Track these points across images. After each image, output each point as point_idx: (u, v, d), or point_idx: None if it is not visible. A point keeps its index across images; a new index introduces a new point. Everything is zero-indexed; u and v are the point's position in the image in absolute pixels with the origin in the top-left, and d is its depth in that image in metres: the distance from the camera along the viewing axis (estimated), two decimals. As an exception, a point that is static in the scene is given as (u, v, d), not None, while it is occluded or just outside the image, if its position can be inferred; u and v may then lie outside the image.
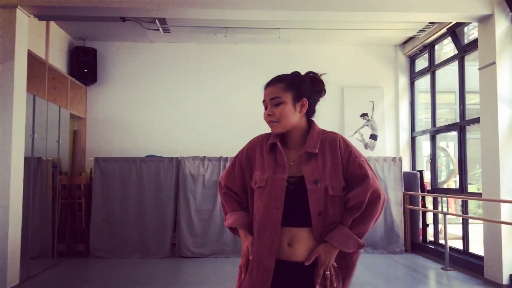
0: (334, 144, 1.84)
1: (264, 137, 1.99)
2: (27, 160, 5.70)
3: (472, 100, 7.10)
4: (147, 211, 7.44)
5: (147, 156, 7.74)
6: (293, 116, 1.86)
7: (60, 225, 7.09)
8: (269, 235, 1.75)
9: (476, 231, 6.81)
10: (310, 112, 1.93)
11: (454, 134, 7.25)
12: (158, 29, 7.38)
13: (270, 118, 1.88)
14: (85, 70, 7.96)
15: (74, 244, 7.41)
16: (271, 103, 1.88)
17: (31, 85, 6.11)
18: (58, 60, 7.49)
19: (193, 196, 7.50)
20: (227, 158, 7.61)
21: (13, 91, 5.33)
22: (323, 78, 1.93)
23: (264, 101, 1.93)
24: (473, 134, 7.18)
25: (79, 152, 7.99)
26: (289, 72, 1.97)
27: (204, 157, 7.62)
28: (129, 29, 7.56)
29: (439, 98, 8.08)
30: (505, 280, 5.38)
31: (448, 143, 9.92)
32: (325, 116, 10.13)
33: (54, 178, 6.68)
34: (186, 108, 8.38)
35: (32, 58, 6.08)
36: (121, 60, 8.40)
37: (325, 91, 1.94)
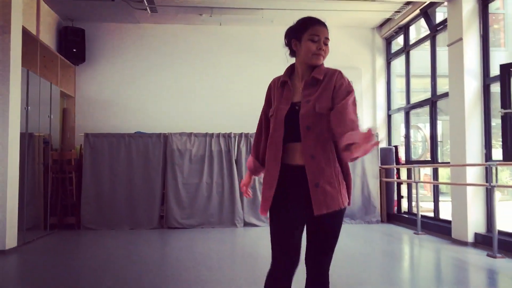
0: (332, 76, 2.21)
1: (277, 78, 2.37)
2: (21, 135, 5.95)
3: (443, 82, 7.56)
4: (136, 185, 7.76)
5: (135, 133, 8.04)
6: None
7: (51, 199, 7.36)
8: (274, 151, 2.22)
9: (447, 207, 7.31)
10: None
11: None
12: (145, 9, 7.66)
13: (321, 52, 2.22)
14: (74, 50, 8.20)
15: (65, 217, 7.70)
16: (325, 41, 2.24)
17: (24, 61, 6.35)
18: (48, 39, 7.73)
19: (180, 171, 7.85)
20: (213, 134, 7.96)
21: (9, 65, 5.59)
22: None
23: (317, 35, 2.22)
24: (446, 117, 7.64)
25: (68, 130, 8.25)
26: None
27: (191, 133, 7.96)
28: (117, 9, 7.82)
29: (415, 82, 8.55)
30: (470, 238, 5.88)
31: (426, 125, 10.42)
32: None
33: (46, 153, 6.95)
34: (173, 86, 8.70)
35: (25, 35, 6.31)
36: (109, 40, 8.66)
37: None
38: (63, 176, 7.68)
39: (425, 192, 11.70)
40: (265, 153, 2.32)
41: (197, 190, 7.86)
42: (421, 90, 9.87)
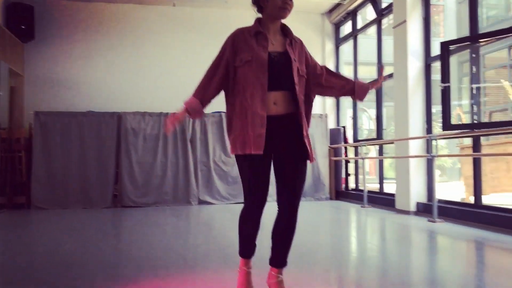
0: (302, 44, 2.52)
1: (245, 29, 2.47)
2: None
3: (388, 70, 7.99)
4: (89, 164, 7.70)
5: (88, 112, 7.95)
6: None
7: (0, 178, 7.18)
8: (260, 95, 2.30)
9: (390, 186, 7.76)
10: None
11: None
12: (98, -14, 7.59)
13: (287, 6, 2.37)
14: (22, 27, 7.99)
15: (14, 196, 7.52)
16: None
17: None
18: (-6, 14, 7.49)
19: (134, 150, 7.85)
20: (167, 113, 8.01)
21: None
22: None
23: None
24: (390, 102, 8.08)
25: (17, 108, 8.05)
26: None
27: (145, 112, 7.98)
28: (68, -14, 7.69)
29: (362, 70, 8.96)
30: (412, 207, 6.31)
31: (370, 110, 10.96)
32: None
33: (-7, 131, 6.77)
34: (126, 65, 8.65)
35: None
36: (60, 18, 8.49)
37: None
38: (12, 155, 7.49)
39: (371, 177, 12.28)
40: (210, 98, 2.46)
41: (151, 169, 7.89)
42: (367, 78, 10.38)
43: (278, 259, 2.51)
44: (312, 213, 6.79)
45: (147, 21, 8.79)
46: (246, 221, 2.53)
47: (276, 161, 2.42)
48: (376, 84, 2.65)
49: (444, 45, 5.38)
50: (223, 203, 7.97)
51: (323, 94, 2.65)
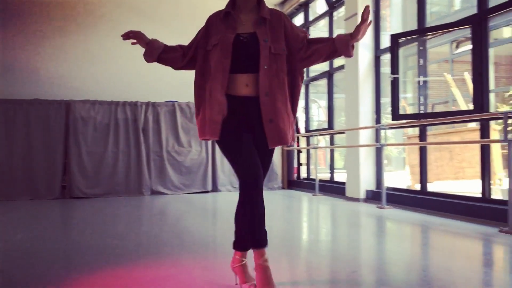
0: (279, 19, 2.39)
1: (219, 12, 2.44)
2: None
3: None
4: (36, 154, 7.43)
5: (34, 99, 7.65)
6: None
7: None
8: (220, 79, 2.28)
9: (341, 176, 8.00)
10: None
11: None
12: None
13: None
14: (-39, 9, 7.56)
15: (-46, 188, 7.15)
16: None
17: None
18: None
19: (84, 139, 7.65)
20: (118, 102, 7.84)
21: None
22: None
23: None
24: (341, 94, 8.30)
25: (-44, 95, 7.62)
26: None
27: (95, 100, 7.78)
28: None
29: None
30: (362, 195, 6.53)
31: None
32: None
33: None
34: (75, 52, 8.36)
35: None
36: (1, 1, 8.08)
37: None
38: (-49, 145, 7.11)
39: (321, 167, 12.54)
40: (171, 63, 2.46)
41: (102, 159, 7.72)
42: (319, 70, 10.60)
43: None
44: (265, 201, 6.87)
45: (98, 6, 8.53)
46: (244, 205, 2.30)
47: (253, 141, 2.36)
48: (358, 29, 2.26)
49: (394, 38, 5.58)
50: (177, 193, 7.92)
51: (309, 65, 2.52)
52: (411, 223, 4.81)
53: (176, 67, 2.50)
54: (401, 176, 10.27)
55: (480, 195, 4.77)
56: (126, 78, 8.40)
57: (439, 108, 13.47)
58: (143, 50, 2.46)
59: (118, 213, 5.92)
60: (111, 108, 7.82)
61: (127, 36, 2.41)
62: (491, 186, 4.73)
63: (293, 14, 9.32)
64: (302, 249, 3.64)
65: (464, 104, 9.08)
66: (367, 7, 2.25)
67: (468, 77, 9.79)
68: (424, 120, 5.34)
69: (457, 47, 12.28)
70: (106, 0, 8.56)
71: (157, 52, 2.43)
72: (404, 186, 7.32)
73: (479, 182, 4.82)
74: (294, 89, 2.46)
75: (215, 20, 2.42)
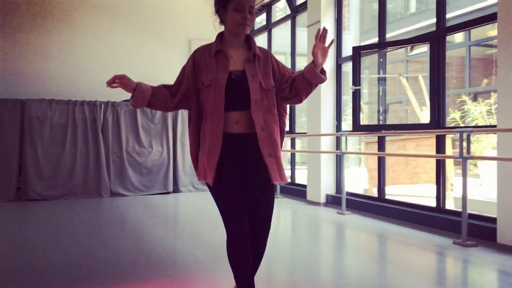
0: (267, 57, 2.41)
1: (206, 47, 2.40)
2: None
3: (301, 60, 8.32)
4: (-11, 155, 7.15)
5: (-14, 98, 7.35)
6: None
7: None
8: (216, 120, 2.27)
9: (301, 174, 8.15)
10: None
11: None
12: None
13: (246, 22, 2.29)
14: None
15: None
16: (250, 10, 2.29)
17: None
18: None
19: (40, 140, 7.42)
20: (76, 101, 7.64)
21: None
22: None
23: (241, 5, 2.26)
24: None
25: None
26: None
27: (52, 99, 7.54)
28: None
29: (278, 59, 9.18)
30: (322, 199, 6.70)
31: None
32: (174, 66, 10.38)
33: None
34: (30, 49, 8.07)
35: None
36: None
37: None
38: None
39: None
40: (157, 100, 2.34)
41: (59, 159, 7.52)
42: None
43: None
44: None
45: (53, 3, 8.22)
46: (234, 255, 2.28)
47: (242, 184, 2.32)
48: (315, 55, 2.33)
49: (356, 50, 5.73)
50: (137, 194, 7.84)
51: (293, 103, 2.51)
52: (368, 232, 5.00)
53: (166, 110, 2.43)
54: (356, 174, 10.56)
55: (434, 204, 5.01)
56: (83, 76, 8.18)
57: (393, 107, 13.92)
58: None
59: (75, 218, 5.80)
60: (68, 107, 7.60)
61: (112, 82, 2.31)
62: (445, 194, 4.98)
63: (255, 15, 9.32)
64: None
65: (418, 106, 9.43)
66: (324, 30, 2.31)
67: (422, 79, 10.17)
68: (384, 131, 5.52)
69: (411, 49, 12.69)
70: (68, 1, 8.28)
71: (146, 97, 2.34)
72: (361, 188, 7.56)
73: (432, 187, 5.03)
74: (281, 125, 2.46)
75: (203, 56, 2.37)
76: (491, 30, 11.62)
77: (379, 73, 5.74)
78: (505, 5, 4.04)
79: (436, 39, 4.88)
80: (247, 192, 2.33)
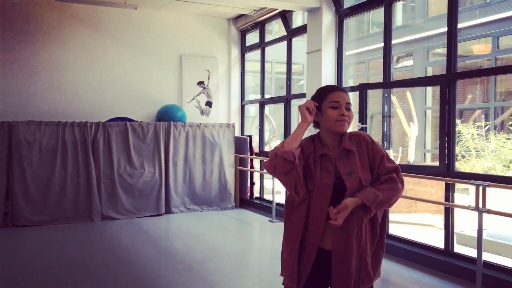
0: (360, 143, 2.18)
1: (308, 141, 2.20)
2: None
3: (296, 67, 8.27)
4: (-26, 180, 6.84)
5: (-29, 120, 7.01)
6: None
7: None
8: (314, 230, 2.12)
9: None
10: None
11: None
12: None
13: (345, 118, 2.13)
14: None
15: None
16: (346, 106, 2.15)
17: None
18: None
19: (28, 163, 7.15)
20: (66, 123, 7.38)
21: None
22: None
23: (336, 102, 2.14)
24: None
25: None
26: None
27: (41, 121, 7.26)
28: None
29: (271, 66, 9.12)
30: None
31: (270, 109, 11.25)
32: (165, 83, 10.26)
33: None
34: (18, 69, 7.72)
35: None
36: None
37: None
38: None
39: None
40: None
41: (49, 183, 7.27)
42: (281, 75, 10.69)
43: None
44: (219, 228, 6.86)
45: (42, 20, 7.88)
46: None
47: None
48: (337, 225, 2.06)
49: (363, 87, 5.70)
50: (129, 217, 7.66)
51: None
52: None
53: (293, 191, 2.15)
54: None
55: (442, 247, 5.01)
56: (74, 97, 7.90)
57: (377, 117, 14.01)
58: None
59: (66, 244, 5.59)
60: (58, 129, 7.33)
61: (305, 112, 2.11)
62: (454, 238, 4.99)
63: (248, 30, 9.21)
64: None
65: (406, 122, 9.52)
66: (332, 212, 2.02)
67: (409, 95, 10.27)
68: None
69: (397, 61, 12.80)
70: (56, 13, 7.93)
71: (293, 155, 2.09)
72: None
73: (430, 216, 4.95)
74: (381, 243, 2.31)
75: (308, 152, 2.17)
76: (475, 45, 11.85)
77: (383, 109, 5.73)
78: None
79: (446, 83, 4.88)
80: None
